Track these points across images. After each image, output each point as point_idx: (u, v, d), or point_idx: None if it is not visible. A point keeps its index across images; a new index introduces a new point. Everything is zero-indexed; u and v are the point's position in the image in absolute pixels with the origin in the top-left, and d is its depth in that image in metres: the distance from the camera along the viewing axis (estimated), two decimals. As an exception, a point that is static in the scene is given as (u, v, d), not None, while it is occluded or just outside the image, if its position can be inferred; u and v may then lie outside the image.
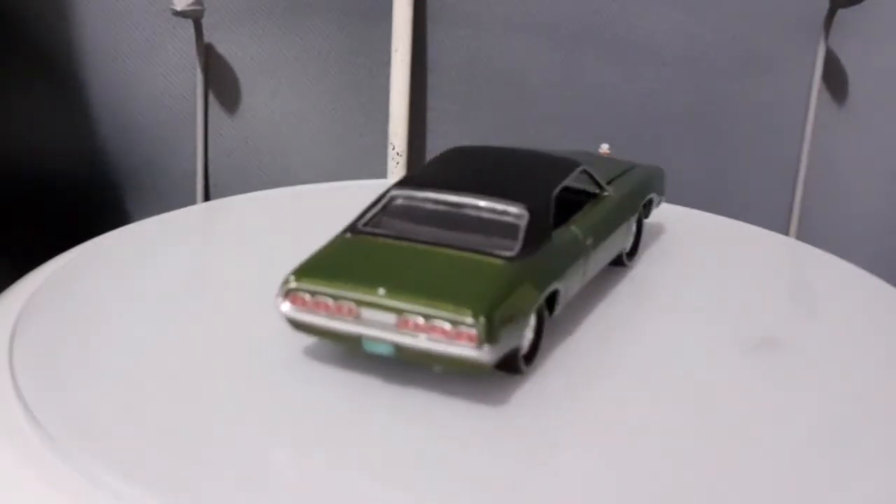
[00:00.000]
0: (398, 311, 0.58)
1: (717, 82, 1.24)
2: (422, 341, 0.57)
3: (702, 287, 0.81)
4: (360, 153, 1.26)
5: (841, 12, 1.19)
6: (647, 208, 0.85)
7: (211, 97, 1.21)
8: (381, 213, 0.68)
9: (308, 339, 0.67)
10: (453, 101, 1.26)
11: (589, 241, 0.69)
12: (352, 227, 0.67)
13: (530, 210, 0.64)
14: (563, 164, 0.72)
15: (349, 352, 0.65)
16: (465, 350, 0.56)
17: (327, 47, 1.22)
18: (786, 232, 1.28)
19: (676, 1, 1.21)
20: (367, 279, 0.60)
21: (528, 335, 0.62)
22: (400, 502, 0.52)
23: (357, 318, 0.60)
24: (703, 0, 1.21)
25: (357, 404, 0.61)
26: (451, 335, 0.56)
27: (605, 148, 1.20)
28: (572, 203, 0.73)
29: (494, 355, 0.57)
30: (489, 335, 0.56)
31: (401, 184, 0.69)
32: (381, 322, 0.59)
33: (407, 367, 0.63)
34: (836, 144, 1.26)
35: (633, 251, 0.84)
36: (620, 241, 0.77)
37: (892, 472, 0.57)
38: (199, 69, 1.18)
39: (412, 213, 0.67)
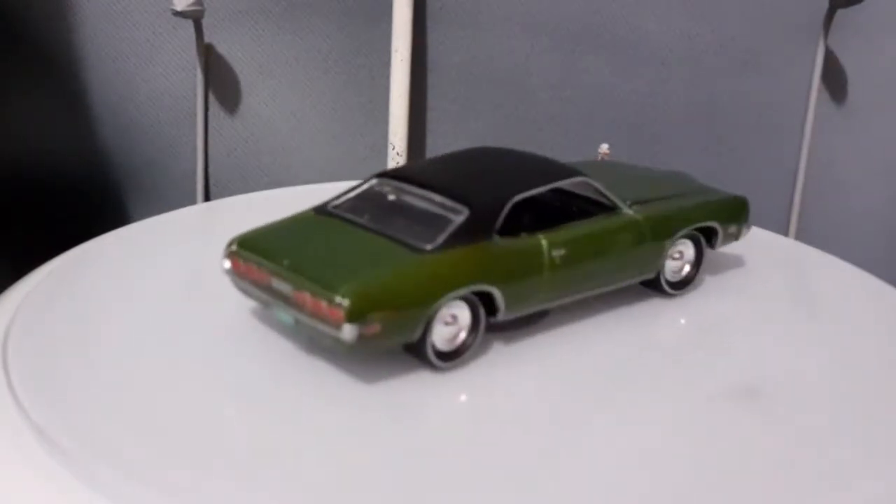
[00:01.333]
0: (294, 285, 0.61)
1: (716, 82, 1.24)
2: (307, 315, 0.60)
3: (702, 287, 0.81)
4: (360, 153, 1.26)
5: (840, 12, 1.18)
6: (708, 238, 0.79)
7: (211, 97, 1.21)
8: (354, 196, 0.71)
9: (309, 339, 0.68)
10: (453, 100, 1.26)
11: (558, 254, 0.67)
12: (321, 206, 0.71)
13: (472, 209, 0.64)
14: (550, 174, 0.70)
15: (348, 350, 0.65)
16: (331, 328, 0.58)
17: (327, 47, 1.22)
18: (785, 231, 1.28)
19: (676, 1, 1.21)
20: (284, 252, 0.63)
21: (444, 330, 0.63)
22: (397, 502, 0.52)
23: (269, 287, 0.64)
24: (702, 0, 1.21)
25: (357, 403, 0.61)
26: (324, 312, 0.58)
27: (604, 148, 1.20)
28: (574, 214, 0.72)
29: (360, 337, 0.58)
30: (352, 315, 0.57)
31: (385, 173, 0.72)
32: (284, 293, 0.62)
33: (419, 368, 0.64)
34: (835, 144, 1.26)
35: (685, 282, 0.78)
36: (637, 264, 0.73)
37: (894, 472, 0.57)
38: (199, 69, 1.18)
39: (376, 200, 0.69)
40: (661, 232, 0.74)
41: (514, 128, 1.26)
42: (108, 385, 0.62)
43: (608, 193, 0.72)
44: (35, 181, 1.23)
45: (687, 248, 0.78)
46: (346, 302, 0.57)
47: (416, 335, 0.61)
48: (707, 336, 0.73)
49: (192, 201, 1.23)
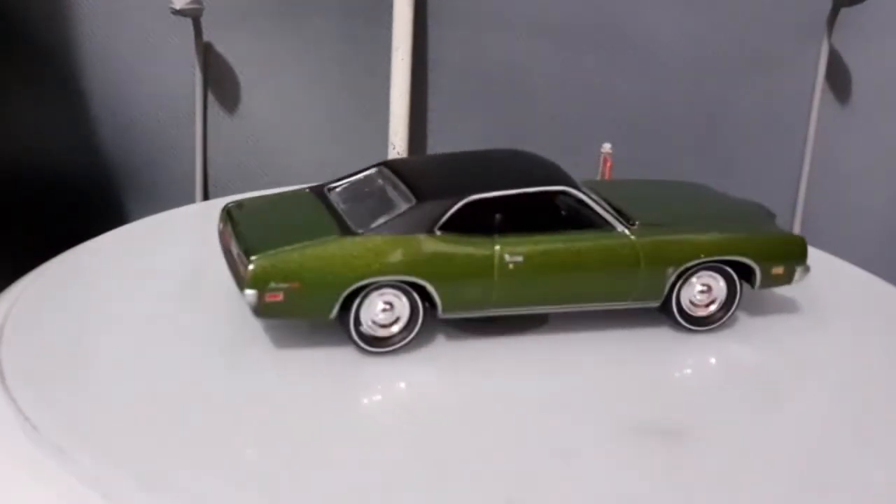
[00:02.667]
0: (237, 248, 0.66)
1: (718, 82, 1.24)
2: (240, 279, 0.65)
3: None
4: (360, 153, 1.26)
5: (844, 11, 1.18)
6: (747, 276, 0.72)
7: (210, 96, 1.21)
8: (351, 180, 0.73)
9: (308, 338, 0.68)
10: (454, 100, 1.26)
11: (513, 261, 0.66)
12: (320, 185, 0.73)
13: (418, 201, 0.65)
14: (526, 181, 0.68)
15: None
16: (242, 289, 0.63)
17: (327, 46, 1.22)
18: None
19: (679, 1, 1.21)
20: (249, 219, 0.68)
21: (378, 316, 0.65)
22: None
23: (229, 250, 0.68)
24: (704, 0, 1.21)
25: (360, 405, 0.60)
26: (241, 275, 0.64)
27: (606, 148, 1.19)
28: (556, 225, 0.69)
29: (261, 303, 0.63)
30: (253, 282, 0.62)
31: (386, 161, 0.74)
32: (235, 256, 0.66)
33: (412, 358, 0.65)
34: (839, 143, 1.25)
35: (710, 320, 0.73)
36: (626, 288, 0.69)
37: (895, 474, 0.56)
38: (199, 68, 1.18)
39: (365, 185, 0.71)
40: (662, 258, 0.69)
41: (516, 127, 1.26)
42: (106, 384, 0.62)
43: (598, 209, 0.69)
44: (33, 180, 1.23)
45: (715, 283, 0.71)
46: (250, 268, 0.62)
47: (331, 314, 0.64)
48: (706, 337, 0.72)
49: (191, 200, 1.23)
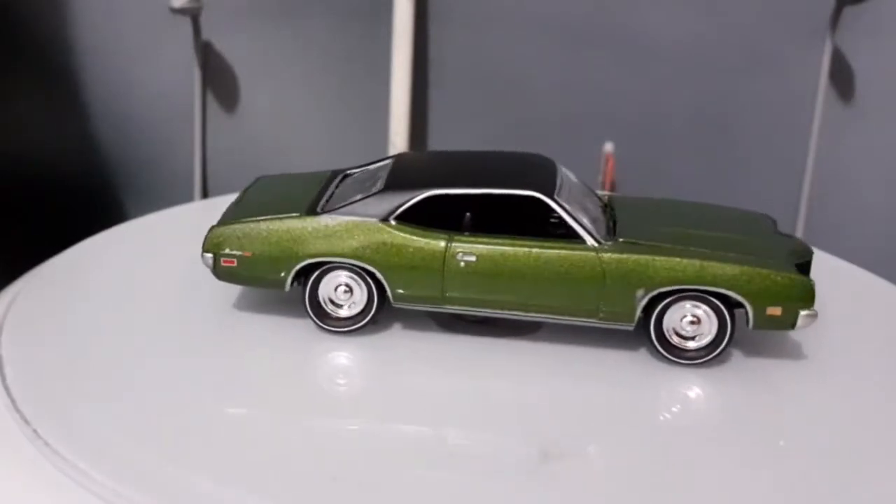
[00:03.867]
0: None
1: (722, 81, 1.23)
2: None
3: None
4: (360, 152, 1.26)
5: (848, 10, 1.18)
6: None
7: (209, 95, 1.21)
8: (368, 167, 0.75)
9: (307, 337, 0.68)
10: (455, 99, 1.26)
11: (466, 259, 0.65)
12: (344, 169, 0.76)
13: (383, 191, 0.68)
14: (496, 181, 0.67)
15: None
16: None
17: (327, 45, 1.22)
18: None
19: (682, 1, 1.20)
20: (257, 194, 0.75)
21: (337, 296, 0.68)
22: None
23: None
24: (706, -1, 1.20)
25: (363, 404, 0.60)
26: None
27: (608, 147, 1.19)
28: (522, 229, 0.67)
29: (217, 267, 0.69)
30: (207, 247, 0.70)
31: (406, 153, 0.79)
32: None
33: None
34: (843, 143, 1.25)
35: (697, 355, 0.67)
36: (589, 304, 0.66)
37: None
38: (197, 67, 1.17)
39: (374, 172, 0.73)
40: (629, 278, 0.64)
41: (517, 127, 1.26)
42: (105, 383, 0.62)
43: (569, 219, 0.66)
44: (31, 179, 1.24)
45: (706, 317, 0.66)
46: (207, 234, 0.70)
47: (285, 286, 0.68)
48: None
49: (190, 199, 1.23)
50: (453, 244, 0.66)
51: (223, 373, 0.64)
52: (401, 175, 0.70)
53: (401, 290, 0.67)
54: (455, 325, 0.69)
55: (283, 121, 1.24)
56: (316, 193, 0.72)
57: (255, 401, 0.61)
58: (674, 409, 0.63)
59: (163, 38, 1.18)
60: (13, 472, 0.55)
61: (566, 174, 0.72)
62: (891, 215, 1.28)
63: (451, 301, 0.67)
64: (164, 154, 1.22)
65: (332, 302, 0.69)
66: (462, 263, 0.65)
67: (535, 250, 0.65)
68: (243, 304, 0.72)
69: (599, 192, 0.75)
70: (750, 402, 0.63)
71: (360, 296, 0.68)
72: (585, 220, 0.66)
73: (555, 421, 0.60)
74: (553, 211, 0.66)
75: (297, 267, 0.67)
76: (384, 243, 0.66)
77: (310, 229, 0.67)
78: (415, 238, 0.66)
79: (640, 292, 0.64)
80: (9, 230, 1.24)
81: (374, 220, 0.67)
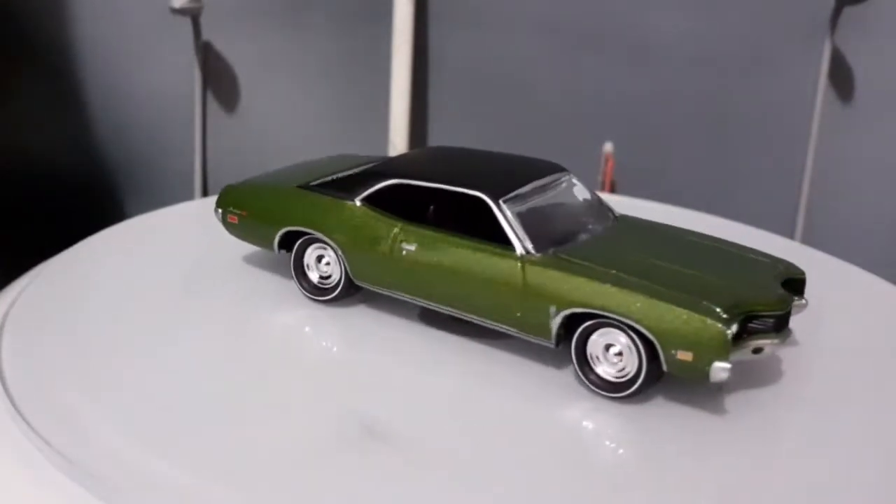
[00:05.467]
0: None
1: (722, 82, 1.23)
2: None
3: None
4: (360, 152, 1.26)
5: (847, 10, 1.18)
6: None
7: (209, 95, 1.21)
8: (397, 155, 0.80)
9: (311, 337, 0.69)
10: (455, 99, 1.26)
11: (407, 248, 0.66)
12: (386, 157, 0.80)
13: (360, 174, 0.72)
14: (457, 179, 0.68)
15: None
16: None
17: (327, 45, 1.22)
18: (792, 231, 1.27)
19: (681, 1, 1.20)
20: (301, 167, 0.80)
21: (320, 267, 0.72)
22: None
23: None
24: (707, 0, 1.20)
25: (365, 404, 0.60)
26: None
27: (608, 147, 1.19)
28: (465, 228, 0.67)
29: (225, 221, 0.76)
30: (217, 203, 0.76)
31: (437, 147, 0.78)
32: None
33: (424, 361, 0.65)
34: (842, 143, 1.25)
35: (615, 385, 0.61)
36: (505, 312, 0.63)
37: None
38: (198, 67, 1.17)
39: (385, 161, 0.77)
40: (543, 292, 0.61)
41: (517, 127, 1.26)
42: (105, 382, 0.62)
43: (505, 225, 0.64)
44: (33, 178, 1.24)
45: (627, 348, 0.59)
46: (222, 191, 0.76)
47: (273, 247, 0.73)
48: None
49: (191, 198, 1.23)
50: (401, 232, 0.67)
51: (224, 372, 0.64)
52: (388, 163, 0.73)
53: (357, 269, 0.70)
54: (442, 322, 0.69)
55: (283, 121, 1.24)
56: (326, 172, 0.75)
57: (257, 398, 0.61)
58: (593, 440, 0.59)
59: (163, 39, 1.18)
60: (13, 470, 0.55)
61: (565, 186, 0.70)
62: (890, 215, 1.28)
63: (395, 287, 0.68)
64: (165, 154, 1.22)
65: (313, 272, 0.73)
66: (404, 251, 0.67)
67: (464, 249, 0.65)
68: (243, 304, 0.72)
69: (628, 216, 0.70)
70: (745, 399, 0.63)
71: (335, 268, 0.71)
72: (520, 230, 0.64)
73: (403, 406, 0.60)
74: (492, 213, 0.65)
75: (281, 232, 0.72)
76: (347, 222, 0.69)
77: (294, 200, 0.72)
78: (371, 221, 0.69)
79: (552, 309, 0.61)
80: (9, 230, 1.24)
81: (345, 199, 0.70)
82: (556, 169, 0.71)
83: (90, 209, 1.26)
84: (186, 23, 1.15)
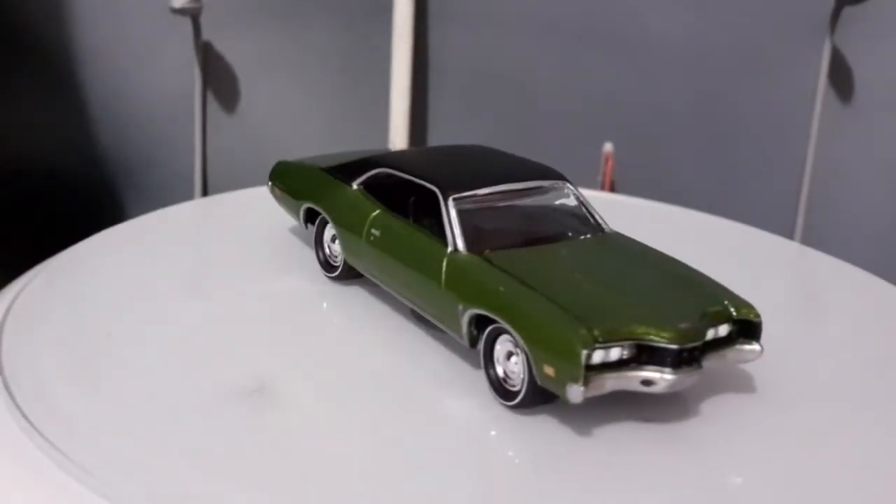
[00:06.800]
0: None
1: (722, 82, 1.23)
2: None
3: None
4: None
5: (847, 10, 1.18)
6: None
7: (209, 95, 1.21)
8: (389, 152, 0.83)
9: (313, 335, 0.69)
10: (454, 99, 1.26)
11: (374, 233, 0.69)
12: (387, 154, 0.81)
13: (365, 160, 0.74)
14: (426, 173, 0.68)
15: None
16: None
17: (327, 45, 1.22)
18: (791, 231, 1.27)
19: (680, 1, 1.20)
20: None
21: (328, 241, 0.75)
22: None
23: None
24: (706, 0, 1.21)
25: (367, 403, 0.60)
26: None
27: (608, 147, 1.19)
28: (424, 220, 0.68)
29: (272, 191, 0.81)
30: (269, 177, 0.82)
31: (481, 146, 0.79)
32: None
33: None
34: (842, 143, 1.25)
35: (509, 393, 0.59)
36: (431, 306, 0.64)
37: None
38: (198, 67, 1.17)
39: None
40: (454, 289, 0.61)
41: (516, 127, 1.25)
42: (106, 382, 0.62)
43: (444, 218, 0.65)
44: (33, 178, 1.24)
45: (519, 355, 0.58)
46: (274, 166, 0.82)
47: (301, 221, 0.77)
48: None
49: (190, 198, 1.23)
50: (375, 218, 0.69)
51: (224, 372, 0.64)
52: (390, 153, 0.77)
53: (347, 250, 0.72)
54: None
55: (283, 121, 1.24)
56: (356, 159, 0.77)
57: (258, 398, 0.60)
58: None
59: (163, 38, 1.18)
60: (13, 469, 0.55)
61: (552, 194, 0.69)
62: (890, 215, 1.28)
63: (368, 271, 0.70)
64: (165, 154, 1.22)
65: (329, 248, 0.76)
66: (372, 237, 0.69)
67: (412, 240, 0.66)
68: (243, 303, 0.72)
69: (619, 235, 0.68)
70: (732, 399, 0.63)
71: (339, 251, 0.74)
72: (457, 228, 0.64)
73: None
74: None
75: (303, 209, 0.76)
76: (344, 204, 0.72)
77: (313, 180, 0.76)
78: (360, 205, 0.71)
79: (460, 307, 0.60)
80: (9, 229, 1.24)
81: (346, 184, 0.73)
82: (549, 175, 0.70)
83: (90, 209, 1.26)
84: (186, 23, 1.15)
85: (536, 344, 0.56)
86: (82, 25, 1.18)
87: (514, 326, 0.57)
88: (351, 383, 0.63)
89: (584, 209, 0.69)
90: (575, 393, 0.54)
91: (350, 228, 0.71)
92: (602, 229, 0.68)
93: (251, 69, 1.21)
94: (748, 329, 0.60)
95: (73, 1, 1.17)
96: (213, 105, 1.22)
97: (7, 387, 0.61)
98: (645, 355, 0.56)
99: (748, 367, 0.65)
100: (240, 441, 0.57)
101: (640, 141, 1.25)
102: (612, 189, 1.21)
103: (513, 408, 0.59)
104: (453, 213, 0.65)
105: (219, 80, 1.21)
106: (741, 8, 1.20)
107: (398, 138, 1.21)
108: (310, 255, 0.77)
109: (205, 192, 1.24)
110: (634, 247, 0.66)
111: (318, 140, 1.25)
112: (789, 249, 0.96)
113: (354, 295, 0.73)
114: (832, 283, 0.86)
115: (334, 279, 0.75)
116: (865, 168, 1.26)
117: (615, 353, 0.55)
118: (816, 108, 1.22)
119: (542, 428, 0.58)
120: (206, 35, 1.19)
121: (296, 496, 0.52)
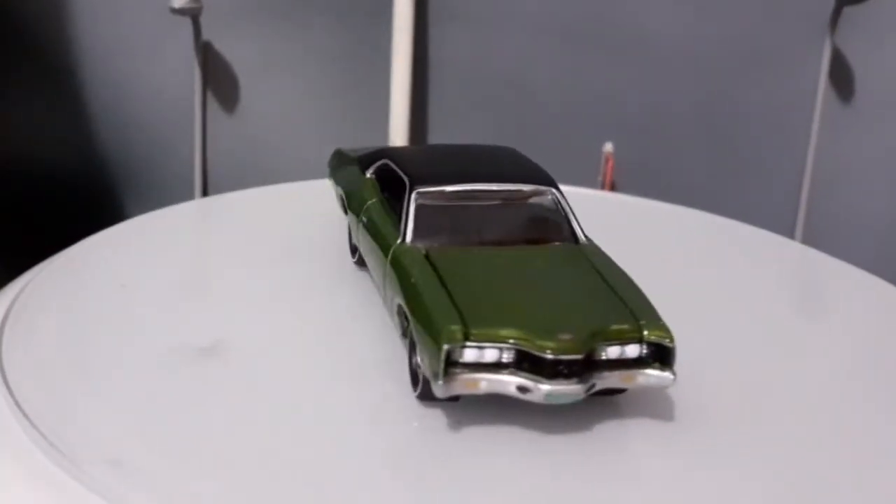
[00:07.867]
0: None
1: (722, 81, 1.24)
2: None
3: (702, 291, 0.79)
4: (360, 152, 1.26)
5: (847, 10, 1.18)
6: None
7: (209, 95, 1.21)
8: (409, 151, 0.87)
9: (317, 344, 0.68)
10: (455, 99, 1.26)
11: (363, 219, 0.71)
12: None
13: (377, 151, 0.76)
14: (409, 167, 0.69)
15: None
16: None
17: (327, 45, 1.22)
18: (792, 231, 1.27)
19: (682, 1, 1.20)
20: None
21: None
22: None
23: None
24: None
25: (369, 403, 0.60)
26: None
27: (608, 147, 1.19)
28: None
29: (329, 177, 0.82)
30: (328, 163, 0.83)
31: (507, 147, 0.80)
32: None
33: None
34: (843, 143, 1.25)
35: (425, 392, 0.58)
36: (385, 296, 0.65)
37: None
38: (198, 67, 1.17)
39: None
40: (389, 282, 0.63)
41: (517, 127, 1.25)
42: (106, 382, 0.62)
43: (403, 216, 0.65)
44: (33, 178, 1.24)
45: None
46: (332, 154, 0.84)
47: (340, 206, 0.78)
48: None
49: (190, 198, 1.23)
50: (370, 206, 0.71)
51: (224, 372, 0.64)
52: (401, 147, 0.80)
53: (354, 237, 0.74)
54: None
55: (283, 121, 1.24)
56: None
57: (259, 398, 0.61)
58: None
59: (163, 39, 1.18)
60: (14, 468, 0.55)
61: (533, 200, 0.67)
62: (890, 215, 1.28)
63: (362, 257, 0.72)
64: (164, 154, 1.22)
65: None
66: (362, 223, 0.71)
67: (380, 227, 0.68)
68: (243, 303, 0.72)
69: (593, 248, 0.65)
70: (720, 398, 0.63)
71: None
72: (410, 219, 0.64)
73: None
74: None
75: (338, 194, 0.78)
76: (352, 189, 0.75)
77: (346, 169, 0.78)
78: (365, 192, 0.72)
79: (391, 295, 0.62)
80: (9, 229, 1.24)
81: (362, 171, 0.75)
82: (535, 181, 0.68)
83: (90, 209, 1.26)
84: (186, 23, 1.15)
85: (419, 335, 0.56)
86: (82, 25, 1.18)
87: (411, 317, 0.58)
88: (354, 382, 0.62)
89: (563, 217, 0.67)
90: (438, 387, 0.54)
91: (354, 213, 0.73)
92: (576, 239, 0.66)
93: (251, 69, 1.21)
94: (664, 355, 0.56)
95: (73, 1, 1.17)
96: (213, 105, 1.22)
97: (7, 386, 0.61)
98: (527, 363, 0.55)
99: (748, 367, 0.65)
100: (244, 444, 0.57)
101: (640, 141, 1.25)
102: (613, 189, 1.21)
103: (418, 397, 0.59)
104: (413, 205, 0.65)
105: (219, 80, 1.21)
106: (741, 8, 1.20)
107: (398, 138, 1.21)
108: (310, 255, 0.77)
109: (205, 192, 1.24)
110: (595, 260, 0.64)
111: (317, 140, 1.25)
112: (790, 249, 0.96)
113: (355, 295, 0.73)
114: (832, 283, 0.86)
115: (356, 264, 0.76)
116: (866, 168, 1.26)
117: (491, 355, 0.55)
118: (817, 108, 1.22)
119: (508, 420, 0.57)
120: (206, 35, 1.19)
121: None
